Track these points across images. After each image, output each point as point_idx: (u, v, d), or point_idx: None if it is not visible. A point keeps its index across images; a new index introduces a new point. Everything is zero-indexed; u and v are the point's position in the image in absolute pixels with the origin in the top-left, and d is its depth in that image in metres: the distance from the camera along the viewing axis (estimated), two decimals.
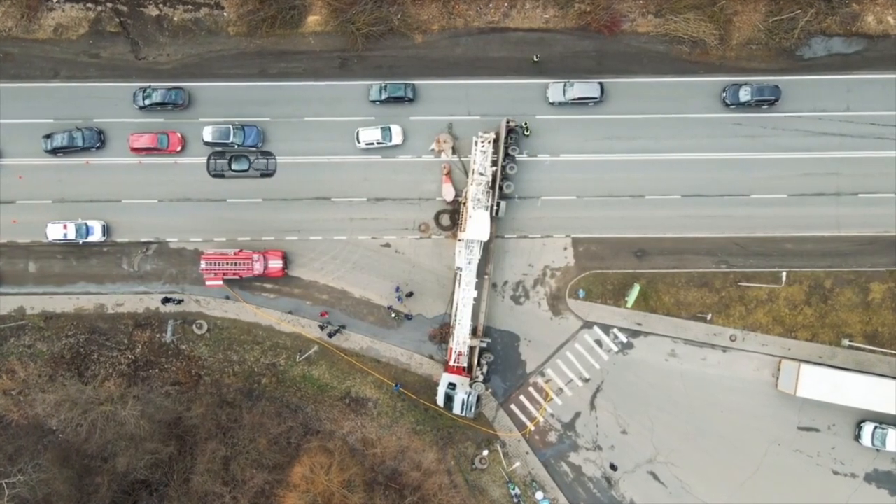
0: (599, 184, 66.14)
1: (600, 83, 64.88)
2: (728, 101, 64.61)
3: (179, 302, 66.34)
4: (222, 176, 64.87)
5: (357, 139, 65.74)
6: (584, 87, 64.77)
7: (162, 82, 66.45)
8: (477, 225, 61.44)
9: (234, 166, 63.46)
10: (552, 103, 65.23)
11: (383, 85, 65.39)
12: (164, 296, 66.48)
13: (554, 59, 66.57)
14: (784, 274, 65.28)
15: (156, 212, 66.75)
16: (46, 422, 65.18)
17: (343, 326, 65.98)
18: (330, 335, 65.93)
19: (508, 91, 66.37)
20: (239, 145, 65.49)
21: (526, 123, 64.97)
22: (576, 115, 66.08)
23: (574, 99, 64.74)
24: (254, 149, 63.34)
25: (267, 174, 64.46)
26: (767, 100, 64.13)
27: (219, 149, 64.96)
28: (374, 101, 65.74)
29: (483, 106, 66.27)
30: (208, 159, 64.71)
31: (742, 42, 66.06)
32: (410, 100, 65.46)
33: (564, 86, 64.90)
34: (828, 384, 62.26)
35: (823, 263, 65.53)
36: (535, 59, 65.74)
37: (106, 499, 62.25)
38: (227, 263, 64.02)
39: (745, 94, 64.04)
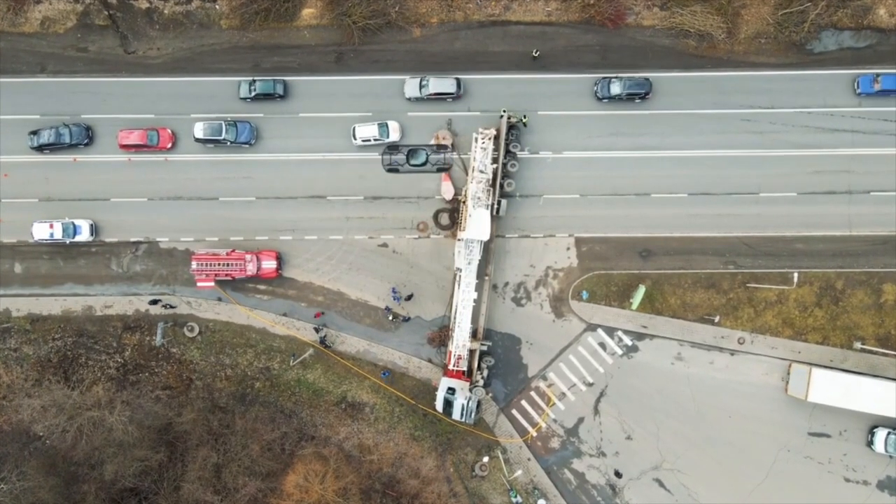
0: (603, 181, 64.96)
1: (457, 79, 63.63)
2: (599, 95, 63.51)
3: (171, 307, 64.75)
4: (396, 171, 63.37)
5: (353, 136, 64.69)
6: (440, 83, 63.47)
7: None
8: (477, 224, 60.42)
9: (411, 161, 61.85)
10: (408, 99, 64.16)
11: (251, 81, 63.92)
12: (152, 297, 65.13)
13: (556, 54, 65.49)
14: (795, 274, 63.90)
15: (145, 210, 65.55)
16: (32, 428, 63.83)
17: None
18: (326, 345, 64.72)
19: (510, 86, 65.27)
20: (231, 142, 64.36)
21: (524, 115, 63.50)
22: (578, 111, 65.04)
23: (430, 95, 63.54)
24: (426, 147, 61.82)
25: (444, 168, 62.90)
26: (638, 93, 62.97)
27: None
28: (243, 99, 64.41)
29: (483, 101, 65.17)
30: (382, 154, 63.40)
31: (750, 36, 64.93)
32: (281, 97, 64.12)
33: (420, 81, 63.63)
34: (840, 389, 61.03)
35: (834, 264, 64.36)
36: (534, 54, 64.55)
37: None
38: (219, 264, 62.87)
39: (616, 88, 62.90)
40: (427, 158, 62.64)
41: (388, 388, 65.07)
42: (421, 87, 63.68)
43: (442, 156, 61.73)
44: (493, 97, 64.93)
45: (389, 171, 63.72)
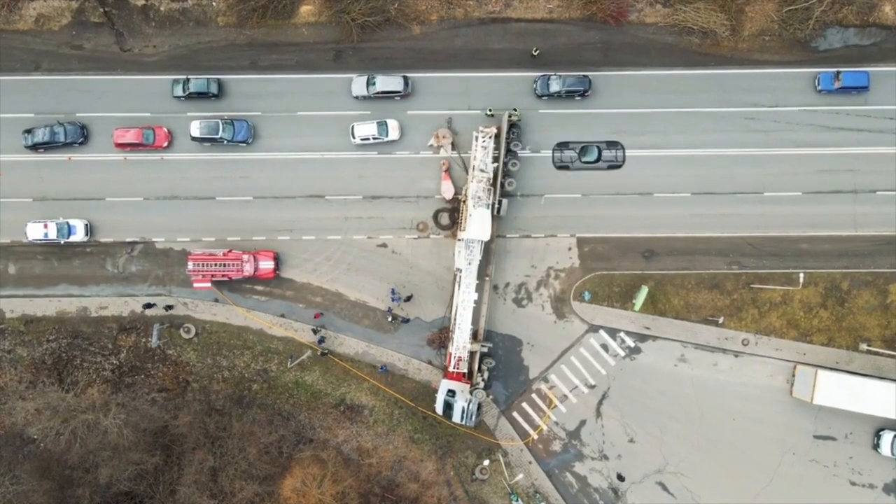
0: (606, 181, 64.22)
1: (404, 77, 63.06)
2: (539, 93, 62.85)
3: (169, 308, 64.00)
4: (567, 168, 62.23)
5: (352, 134, 64.05)
6: (387, 81, 62.87)
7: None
8: (477, 224, 59.82)
9: (583, 158, 60.50)
10: (356, 98, 63.63)
11: (185, 79, 63.28)
12: (146, 301, 64.56)
13: (558, 51, 64.85)
14: (802, 275, 63.26)
15: (141, 210, 64.89)
16: (25, 431, 63.05)
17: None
18: (324, 353, 64.03)
19: (510, 84, 64.64)
20: (228, 140, 63.64)
21: (516, 109, 62.81)
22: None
23: (378, 93, 63.02)
24: (602, 144, 60.26)
25: (615, 166, 61.88)
26: (577, 91, 62.34)
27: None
28: (177, 98, 63.77)
29: (484, 100, 64.50)
30: (553, 150, 62.20)
31: (754, 33, 64.30)
32: (215, 96, 63.47)
33: (368, 80, 63.05)
34: (846, 391, 60.35)
35: (840, 264, 63.74)
36: (534, 52, 64.00)
37: None
38: (216, 264, 62.21)
39: (555, 85, 62.33)
40: (600, 155, 60.86)
41: (388, 390, 64.44)
42: (368, 85, 63.08)
43: (614, 153, 60.06)
44: (494, 95, 64.23)
45: (560, 168, 61.78)
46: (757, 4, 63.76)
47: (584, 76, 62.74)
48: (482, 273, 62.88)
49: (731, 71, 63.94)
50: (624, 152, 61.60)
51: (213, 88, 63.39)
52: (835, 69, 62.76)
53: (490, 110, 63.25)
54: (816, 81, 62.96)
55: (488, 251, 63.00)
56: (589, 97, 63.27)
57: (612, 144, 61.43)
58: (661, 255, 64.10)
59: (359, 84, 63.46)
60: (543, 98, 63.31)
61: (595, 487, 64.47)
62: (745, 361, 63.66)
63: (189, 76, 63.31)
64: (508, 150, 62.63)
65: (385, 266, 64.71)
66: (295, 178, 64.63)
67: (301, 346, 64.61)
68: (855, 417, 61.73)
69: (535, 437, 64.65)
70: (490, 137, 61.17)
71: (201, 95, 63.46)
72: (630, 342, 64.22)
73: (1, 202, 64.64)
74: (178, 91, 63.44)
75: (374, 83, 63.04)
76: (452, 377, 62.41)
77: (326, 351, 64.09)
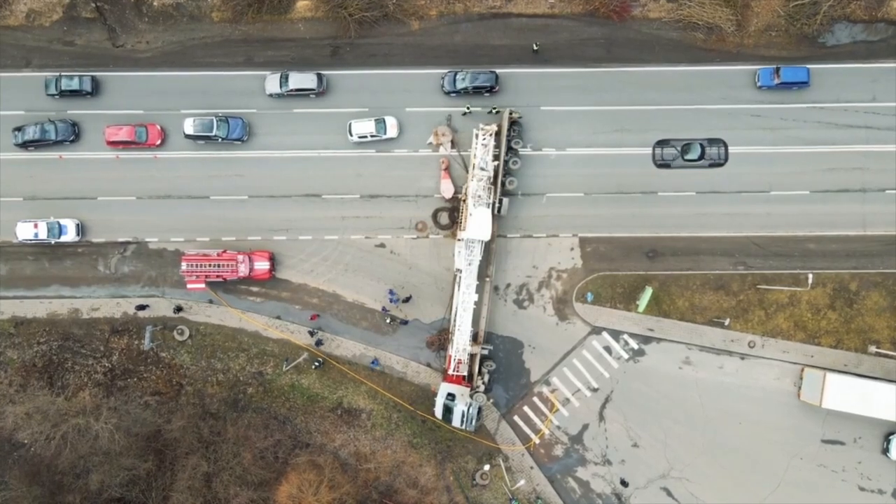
0: (609, 179, 63.44)
1: (318, 74, 62.21)
2: (446, 89, 62.25)
3: (180, 310, 63.21)
4: (668, 166, 60.96)
5: (349, 132, 63.28)
6: (301, 78, 62.04)
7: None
8: (478, 223, 59.16)
9: (686, 156, 59.26)
10: (270, 95, 62.80)
11: (57, 77, 62.30)
12: (139, 303, 63.78)
13: (559, 47, 64.04)
14: (811, 275, 62.27)
15: (134, 210, 64.07)
16: (15, 435, 62.24)
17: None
18: (317, 366, 63.46)
19: (511, 81, 63.75)
20: (223, 138, 62.87)
21: (468, 107, 62.66)
22: (582, 106, 63.40)
23: (291, 91, 62.13)
24: (703, 141, 59.02)
25: (717, 164, 60.50)
26: (484, 87, 61.64)
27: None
28: (51, 96, 62.70)
29: (484, 97, 63.45)
30: (654, 148, 61.02)
31: (761, 28, 63.45)
32: (90, 93, 62.50)
33: (281, 77, 62.26)
34: (855, 394, 59.39)
35: (848, 265, 62.78)
36: (534, 47, 63.18)
37: None
38: (210, 265, 61.52)
39: (461, 82, 61.70)
40: (703, 153, 59.48)
41: (386, 393, 63.71)
42: (281, 83, 62.13)
43: (716, 150, 58.71)
44: (495, 92, 63.33)
45: (660, 166, 60.68)
46: None
47: (492, 72, 62.02)
48: (482, 274, 62.16)
49: (737, 67, 63.06)
50: (727, 149, 60.17)
51: (87, 86, 62.27)
52: (774, 65, 62.24)
53: (494, 108, 62.47)
54: (756, 77, 62.18)
55: (489, 251, 62.23)
56: (498, 93, 62.59)
57: (713, 142, 60.20)
58: (666, 256, 63.26)
59: (272, 81, 62.55)
60: (451, 95, 62.47)
61: (598, 493, 63.67)
62: (752, 364, 62.82)
63: (62, 73, 62.15)
64: (509, 148, 61.91)
65: (383, 266, 63.91)
66: (291, 176, 63.85)
67: (297, 348, 63.77)
68: (864, 421, 60.82)
69: (537, 441, 63.87)
70: (490, 135, 60.52)
71: (74, 94, 62.34)
72: (634, 344, 63.42)
73: None
74: (51, 89, 62.36)
75: (287, 81, 62.05)
76: (452, 380, 61.71)
77: (321, 361, 63.18)
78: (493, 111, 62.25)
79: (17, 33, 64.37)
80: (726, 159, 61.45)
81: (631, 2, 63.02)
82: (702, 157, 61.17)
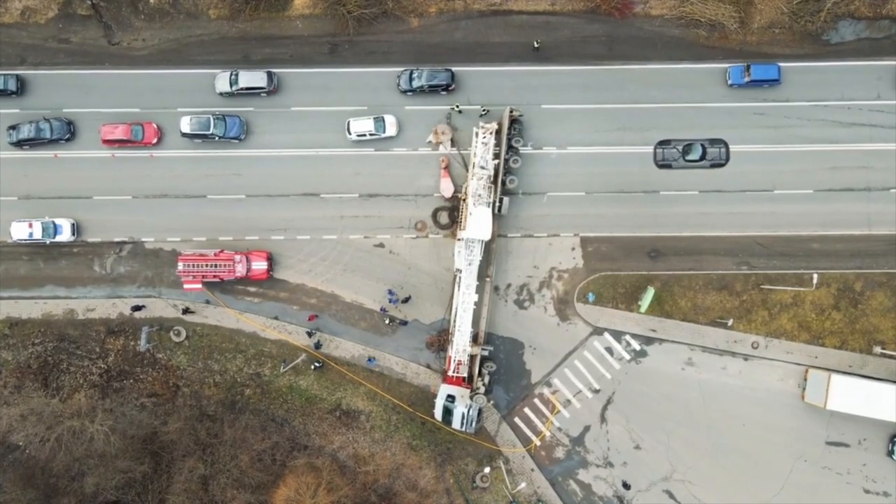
0: (610, 178, 62.87)
1: (268, 72, 61.79)
2: (402, 88, 61.92)
3: (190, 312, 62.64)
4: (669, 167, 60.58)
5: (348, 130, 62.75)
6: (250, 77, 61.48)
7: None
8: (478, 223, 58.72)
9: (687, 156, 59.06)
10: (220, 94, 62.21)
11: None
12: (135, 303, 63.23)
13: (560, 45, 63.49)
14: (815, 275, 61.73)
15: (130, 209, 63.57)
16: (9, 437, 61.80)
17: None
18: (316, 367, 63.07)
19: (512, 79, 63.23)
20: (219, 137, 62.37)
21: (457, 105, 62.22)
22: (583, 104, 62.90)
23: (241, 89, 61.63)
24: (703, 143, 58.90)
25: (718, 164, 60.07)
26: (440, 85, 61.30)
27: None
28: None
29: (484, 95, 63.12)
30: (655, 148, 60.52)
31: (764, 25, 62.88)
32: (14, 93, 61.85)
33: (231, 75, 61.73)
34: (861, 396, 58.84)
35: (853, 264, 62.19)
36: (535, 45, 62.64)
37: None
38: (207, 265, 61.08)
39: (417, 80, 61.44)
40: (704, 153, 59.14)
41: (385, 394, 63.22)
42: (231, 81, 61.68)
43: (718, 150, 58.53)
44: (495, 90, 62.96)
45: (661, 167, 60.34)
46: None
47: (447, 70, 61.65)
48: (483, 274, 61.70)
49: (741, 65, 62.13)
50: (728, 150, 59.78)
51: (12, 85, 61.77)
52: (745, 62, 61.70)
53: (485, 109, 62.13)
54: (727, 75, 61.67)
55: (489, 251, 61.75)
56: (454, 91, 62.15)
57: (715, 142, 59.87)
58: (668, 255, 62.70)
59: (222, 80, 62.04)
60: (408, 94, 61.98)
61: (600, 496, 63.16)
62: (755, 365, 62.26)
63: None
64: (510, 147, 61.38)
65: (382, 266, 63.43)
66: (289, 175, 63.35)
67: (295, 349, 63.24)
68: (869, 423, 60.29)
69: (538, 443, 63.39)
70: (491, 133, 60.00)
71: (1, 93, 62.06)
72: (636, 345, 62.89)
73: None
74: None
75: (236, 79, 61.53)
76: (452, 381, 61.28)
77: (320, 363, 62.69)
78: (484, 111, 61.83)
79: (11, 31, 63.83)
80: (727, 159, 60.92)
81: None
82: (703, 157, 60.71)
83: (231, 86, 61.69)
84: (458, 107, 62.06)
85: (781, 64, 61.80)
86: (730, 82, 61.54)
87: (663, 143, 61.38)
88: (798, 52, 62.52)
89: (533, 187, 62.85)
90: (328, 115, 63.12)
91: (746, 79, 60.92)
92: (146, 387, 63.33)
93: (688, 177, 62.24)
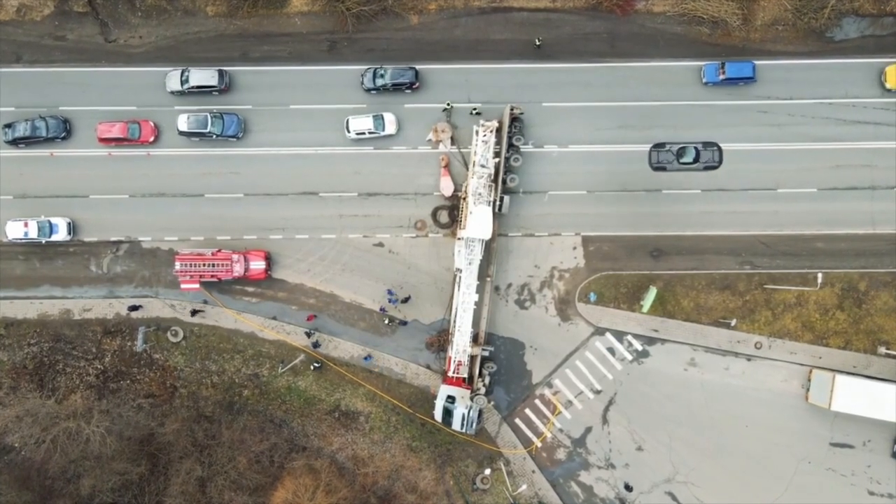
0: (612, 177, 62.35)
1: (219, 71, 61.13)
2: (366, 86, 61.62)
3: (199, 312, 62.09)
4: (664, 169, 60.36)
5: (347, 129, 62.26)
6: (201, 76, 61.04)
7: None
8: (478, 222, 58.25)
9: (681, 159, 59.12)
10: (171, 93, 61.90)
11: None
12: (132, 303, 62.70)
13: (562, 42, 62.96)
14: (820, 275, 61.28)
15: (126, 208, 63.06)
16: (5, 439, 61.55)
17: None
18: (315, 367, 62.64)
19: (512, 76, 62.74)
20: (217, 135, 61.87)
21: (475, 108, 61.77)
22: (585, 102, 62.40)
23: (192, 88, 61.14)
24: (697, 145, 59.36)
25: (711, 167, 59.92)
26: (404, 83, 61.00)
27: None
28: None
29: (485, 92, 62.66)
30: (650, 151, 60.31)
31: (767, 22, 62.36)
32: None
33: (182, 74, 61.25)
34: (866, 397, 58.31)
35: (857, 264, 61.69)
36: (537, 42, 62.13)
37: None
38: (205, 265, 60.53)
39: (381, 79, 61.07)
40: (698, 156, 59.12)
41: (385, 395, 62.77)
42: (182, 80, 61.19)
43: (711, 153, 58.93)
44: (495, 88, 62.44)
45: (656, 169, 60.22)
46: None
47: (411, 68, 61.24)
48: (483, 273, 61.24)
49: (715, 63, 61.45)
50: (721, 153, 59.70)
51: None
52: (720, 60, 61.13)
53: (475, 109, 61.65)
54: (702, 73, 61.22)
55: (489, 250, 61.30)
56: (418, 90, 61.77)
57: (708, 145, 59.94)
58: (670, 255, 62.19)
59: (173, 78, 61.59)
60: (372, 92, 61.61)
61: (602, 498, 62.66)
62: (758, 365, 61.78)
63: None
64: (510, 145, 60.88)
65: (382, 266, 62.94)
66: (287, 174, 62.86)
67: (294, 349, 62.72)
68: (873, 424, 59.80)
69: (539, 444, 62.96)
70: (491, 131, 59.52)
71: None
72: (638, 345, 62.44)
73: None
74: None
75: (187, 78, 61.05)
76: (452, 382, 60.87)
77: (319, 363, 62.24)
78: (474, 111, 61.45)
79: (7, 28, 63.25)
80: (721, 162, 60.38)
81: None
82: (696, 160, 60.36)
83: (182, 84, 61.21)
84: (449, 104, 61.45)
85: (787, 61, 61.39)
86: (704, 80, 61.13)
87: (658, 146, 61.06)
88: (801, 49, 62.00)
89: (534, 186, 62.38)
90: (327, 113, 62.59)
91: (721, 77, 60.48)
92: (143, 388, 62.81)
93: (690, 175, 61.76)
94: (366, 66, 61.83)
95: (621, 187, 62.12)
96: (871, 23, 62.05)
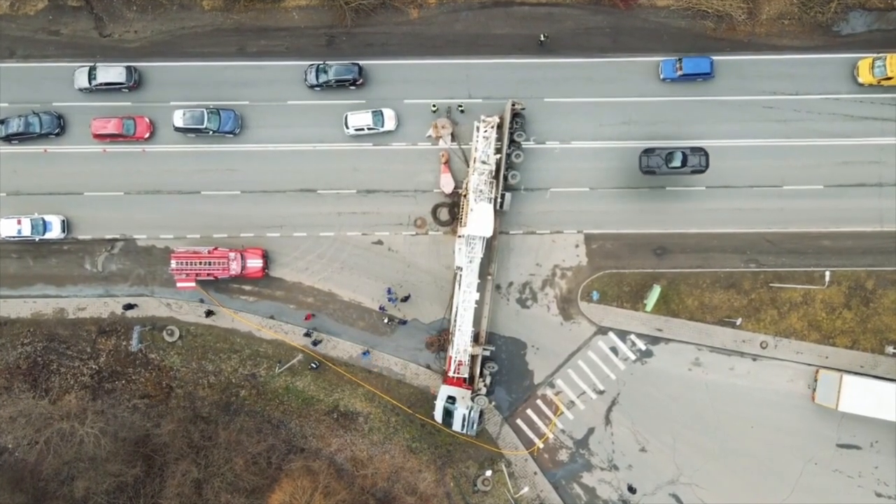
0: (615, 174, 61.69)
1: (127, 67, 60.60)
2: (309, 83, 61.02)
3: (211, 314, 61.65)
4: (653, 173, 60.06)
5: (346, 125, 61.60)
6: (108, 72, 60.40)
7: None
8: (479, 219, 57.54)
9: (669, 164, 58.98)
10: (80, 90, 61.11)
11: None
12: (127, 302, 62.10)
13: (563, 37, 62.26)
14: (828, 274, 60.53)
15: (121, 205, 62.43)
16: None
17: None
18: (314, 367, 62.05)
19: (514, 71, 62.02)
20: (214, 131, 61.23)
21: (460, 105, 61.22)
22: (587, 98, 61.70)
23: (99, 85, 60.39)
24: (686, 149, 59.27)
25: (699, 170, 59.58)
26: (347, 79, 60.35)
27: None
28: None
29: (485, 88, 62.02)
30: (640, 156, 59.97)
31: (773, 16, 61.70)
32: None
33: (90, 71, 60.45)
34: (873, 397, 57.69)
35: (864, 262, 60.96)
36: (541, 38, 61.43)
37: None
38: (201, 263, 59.93)
39: (324, 75, 60.53)
40: (685, 160, 59.08)
41: (384, 396, 62.20)
42: (90, 77, 60.43)
43: (698, 158, 59.05)
44: (497, 83, 61.76)
45: (646, 173, 59.99)
46: None
47: (355, 64, 60.63)
48: (484, 272, 60.59)
49: (748, 57, 61.22)
50: (707, 158, 59.38)
51: None
52: (676, 56, 60.67)
53: (460, 107, 61.15)
54: (659, 70, 60.74)
55: (490, 248, 60.63)
56: (362, 86, 61.28)
57: (695, 150, 59.76)
58: (674, 253, 61.51)
59: (81, 76, 60.77)
60: (315, 89, 61.14)
61: (605, 500, 62.03)
62: (764, 365, 61.12)
63: None
64: (512, 141, 60.20)
65: (381, 264, 62.32)
66: (285, 171, 62.21)
67: (292, 349, 62.08)
68: (880, 425, 59.13)
69: (541, 445, 62.38)
70: (492, 127, 58.82)
71: None
72: (641, 345, 61.82)
73: None
74: None
75: (94, 75, 60.28)
76: (452, 382, 60.36)
77: (318, 363, 61.65)
78: (460, 109, 60.94)
79: (0, 22, 62.64)
80: (707, 166, 59.73)
81: None
82: (684, 164, 59.83)
83: (90, 81, 60.46)
84: (435, 106, 61.06)
85: (793, 56, 60.72)
86: (662, 76, 60.62)
87: (648, 152, 60.57)
88: (808, 43, 61.29)
89: (535, 183, 61.74)
90: (325, 109, 61.88)
91: (678, 73, 59.93)
92: (138, 388, 62.19)
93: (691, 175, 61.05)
94: (308, 62, 61.26)
95: (625, 184, 61.44)
96: (878, 17, 61.37)
